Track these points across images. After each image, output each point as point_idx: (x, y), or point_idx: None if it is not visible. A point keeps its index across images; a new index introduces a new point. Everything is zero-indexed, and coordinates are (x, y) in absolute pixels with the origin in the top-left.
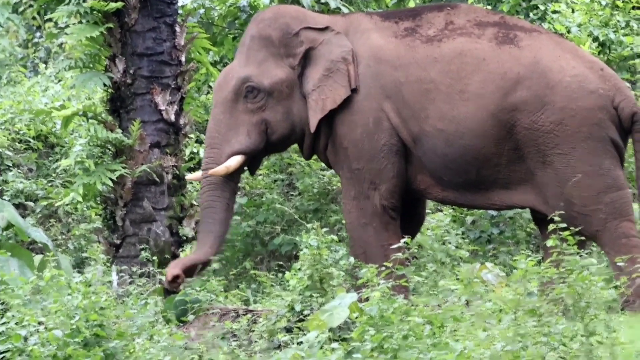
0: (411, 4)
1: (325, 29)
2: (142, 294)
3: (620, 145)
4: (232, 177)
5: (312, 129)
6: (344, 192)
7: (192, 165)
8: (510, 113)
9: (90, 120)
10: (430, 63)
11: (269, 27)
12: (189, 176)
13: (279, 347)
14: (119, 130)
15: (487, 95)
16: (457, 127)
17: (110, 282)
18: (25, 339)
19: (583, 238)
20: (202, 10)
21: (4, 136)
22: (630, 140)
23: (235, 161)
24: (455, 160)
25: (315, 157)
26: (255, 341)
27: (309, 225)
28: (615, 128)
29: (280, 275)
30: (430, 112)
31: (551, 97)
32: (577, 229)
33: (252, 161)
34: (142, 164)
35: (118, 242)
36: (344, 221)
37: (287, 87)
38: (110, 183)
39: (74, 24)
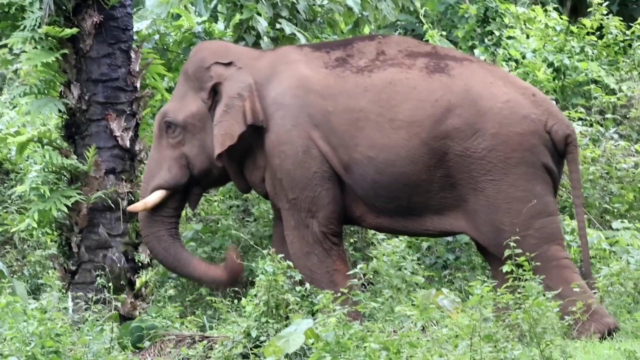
0: (366, 30)
1: (230, 64)
2: (98, 320)
3: (554, 170)
4: (167, 212)
5: (217, 163)
6: (285, 223)
7: None
8: (442, 140)
9: (46, 147)
10: (360, 93)
11: (189, 61)
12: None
13: None
14: (74, 157)
15: (418, 123)
16: (387, 155)
17: (66, 308)
18: None
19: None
20: (157, 36)
21: None
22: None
23: (154, 196)
24: (386, 187)
25: None
26: None
27: (264, 252)
28: (549, 153)
29: (236, 301)
30: (360, 141)
31: (483, 124)
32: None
33: (187, 196)
34: (98, 190)
35: (74, 268)
36: None
37: (199, 120)
38: (66, 209)
39: (28, 50)
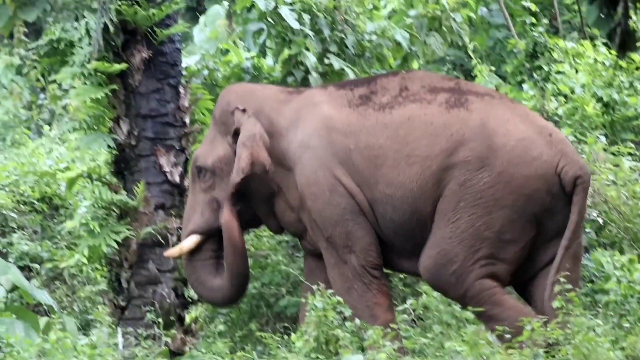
0: (415, 65)
1: (244, 110)
2: (147, 356)
3: (545, 218)
4: (206, 255)
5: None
6: (326, 262)
7: None
8: (449, 171)
9: (95, 182)
10: (380, 130)
11: (217, 104)
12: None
13: None
14: (124, 192)
15: (432, 157)
16: (402, 192)
17: (115, 344)
18: None
19: None
20: (205, 72)
21: (8, 198)
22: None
23: (189, 241)
24: (403, 225)
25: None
26: None
27: (314, 287)
28: (551, 198)
29: (286, 337)
30: (379, 178)
31: (492, 160)
32: None
33: (221, 240)
34: (147, 226)
35: (123, 304)
36: None
37: (226, 164)
38: (115, 245)
39: (78, 85)
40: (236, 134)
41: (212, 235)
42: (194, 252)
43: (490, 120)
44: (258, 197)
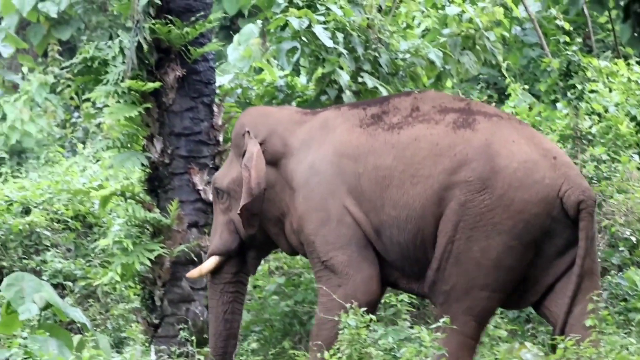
0: (448, 84)
1: (249, 132)
2: None
3: (544, 242)
4: (226, 278)
5: (247, 231)
6: (317, 281)
7: None
8: (451, 190)
9: (129, 200)
10: (388, 150)
11: (234, 128)
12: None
13: None
14: (157, 210)
15: (434, 176)
16: (407, 212)
17: None
18: None
19: None
20: (239, 90)
21: (42, 216)
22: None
23: (209, 263)
24: (408, 247)
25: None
26: None
27: (347, 305)
28: (552, 222)
29: (319, 355)
30: (385, 201)
31: (493, 182)
32: None
33: (244, 259)
34: (181, 244)
35: (157, 322)
36: (382, 300)
37: (238, 186)
38: (149, 263)
39: (111, 104)
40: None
41: (233, 257)
42: (214, 273)
43: (495, 141)
44: (268, 219)
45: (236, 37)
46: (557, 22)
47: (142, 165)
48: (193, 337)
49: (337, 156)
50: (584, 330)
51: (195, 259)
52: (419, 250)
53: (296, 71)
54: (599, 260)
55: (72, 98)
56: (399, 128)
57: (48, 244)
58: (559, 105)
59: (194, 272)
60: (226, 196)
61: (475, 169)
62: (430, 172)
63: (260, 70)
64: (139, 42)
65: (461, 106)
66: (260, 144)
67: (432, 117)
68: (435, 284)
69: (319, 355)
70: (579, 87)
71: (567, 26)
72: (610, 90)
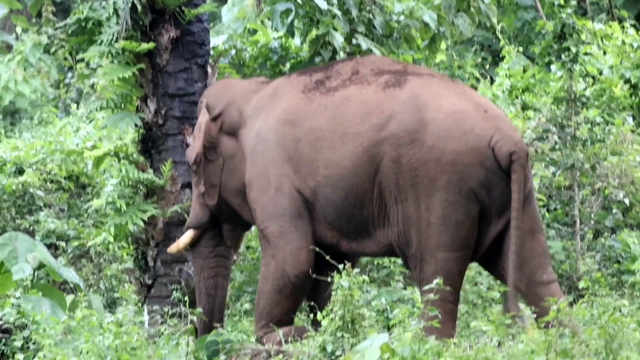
0: (443, 46)
1: (200, 103)
2: (173, 334)
3: (484, 195)
4: (204, 252)
5: (207, 201)
6: (262, 247)
7: None
8: (381, 146)
9: (122, 161)
10: (321, 111)
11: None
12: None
13: None
14: (151, 171)
15: (363, 134)
16: (338, 171)
17: (141, 322)
18: None
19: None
20: (233, 52)
21: (35, 176)
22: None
23: (185, 237)
24: (342, 205)
25: None
26: None
27: (340, 266)
28: (486, 172)
29: (311, 315)
30: (319, 162)
31: (421, 134)
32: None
33: (220, 233)
34: (174, 205)
35: (149, 282)
36: (374, 262)
37: (201, 159)
38: (142, 223)
39: (105, 64)
40: None
41: (208, 230)
42: (193, 248)
43: (422, 95)
44: (228, 190)
45: None
46: None
47: (136, 125)
48: (186, 298)
49: (279, 123)
50: (542, 288)
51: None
52: (354, 208)
53: (290, 33)
54: (592, 222)
55: (65, 59)
56: (334, 90)
57: (41, 204)
58: (553, 67)
59: (172, 247)
60: (195, 169)
61: (402, 121)
62: (359, 130)
63: (255, 31)
64: (133, 3)
65: (397, 68)
66: (219, 114)
67: (366, 79)
68: (402, 250)
69: (260, 324)
70: (573, 49)
71: None
72: (605, 53)
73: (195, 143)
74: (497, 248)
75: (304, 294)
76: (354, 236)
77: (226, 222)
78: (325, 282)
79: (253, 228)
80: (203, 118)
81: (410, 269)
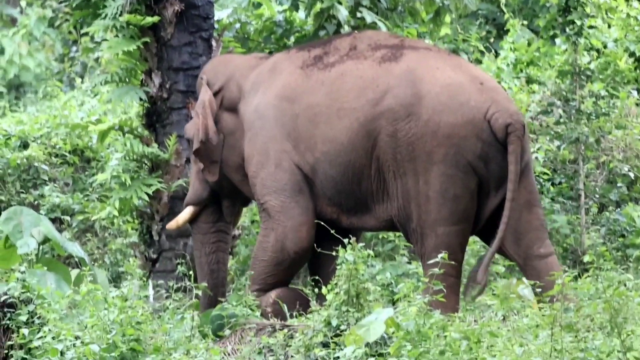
0: (447, 19)
1: (201, 79)
2: (178, 308)
3: (481, 167)
4: (204, 227)
5: (208, 178)
6: (261, 220)
7: None
8: (377, 121)
9: (127, 135)
10: (318, 87)
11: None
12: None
13: None
14: (155, 145)
15: (359, 109)
16: (335, 146)
17: (146, 296)
18: (62, 353)
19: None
20: (238, 25)
21: (40, 150)
22: None
23: (185, 213)
24: (341, 181)
25: None
26: (292, 356)
27: (345, 240)
28: (483, 145)
29: (316, 290)
30: (317, 138)
31: (417, 108)
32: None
33: (220, 208)
34: (179, 179)
35: (154, 256)
36: (379, 236)
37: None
38: (147, 197)
39: (110, 38)
40: None
41: (208, 206)
42: (193, 224)
43: (418, 68)
44: (229, 166)
45: None
46: None
47: (140, 99)
48: (191, 272)
49: (278, 99)
50: (540, 261)
51: None
52: (353, 183)
53: (295, 6)
54: (596, 196)
55: (70, 32)
56: (331, 66)
57: (46, 178)
58: (557, 41)
59: (171, 224)
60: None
61: (397, 95)
62: (355, 105)
63: (259, 5)
64: None
65: (394, 43)
66: (219, 90)
67: (363, 54)
68: (402, 225)
69: (254, 292)
70: (578, 22)
71: None
72: (609, 26)
73: (200, 120)
74: (495, 221)
75: (301, 267)
76: (354, 211)
77: (226, 198)
78: (329, 257)
79: (254, 203)
80: (206, 95)
81: (411, 244)
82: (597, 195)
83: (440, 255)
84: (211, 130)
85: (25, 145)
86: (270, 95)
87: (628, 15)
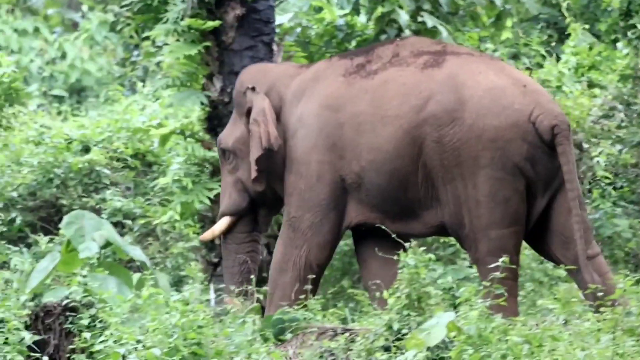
0: (508, 23)
1: (253, 89)
2: (240, 312)
3: (529, 169)
4: (239, 238)
5: (256, 187)
6: (280, 233)
7: None
8: (422, 128)
9: (188, 139)
10: (361, 96)
11: (235, 87)
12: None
13: None
14: (216, 149)
15: (402, 115)
16: (381, 155)
17: (208, 300)
18: (124, 357)
19: None
20: (299, 29)
21: (101, 154)
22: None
23: (221, 224)
24: (387, 188)
25: None
26: None
27: (406, 245)
28: (529, 147)
29: (378, 293)
30: (362, 146)
31: (461, 113)
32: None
33: (256, 219)
34: None
35: (216, 260)
36: (440, 240)
37: (243, 144)
38: (208, 202)
39: (171, 42)
40: (248, 113)
41: (245, 216)
42: (227, 234)
43: (460, 74)
44: (275, 176)
45: None
46: None
47: (202, 103)
48: (252, 276)
49: (321, 108)
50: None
51: None
52: (399, 191)
53: (356, 10)
54: None
55: (131, 37)
56: (374, 74)
57: (107, 183)
58: (619, 45)
59: (206, 235)
60: (232, 156)
61: (440, 101)
62: (398, 112)
63: (320, 9)
64: None
65: (437, 49)
66: None
67: (406, 61)
68: (455, 231)
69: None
70: None
71: None
72: None
73: (261, 127)
74: (541, 225)
75: (316, 286)
76: (399, 217)
77: (265, 208)
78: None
79: None
80: (265, 102)
81: (465, 249)
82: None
83: (501, 260)
84: (272, 137)
85: (87, 150)
86: (314, 104)
87: None
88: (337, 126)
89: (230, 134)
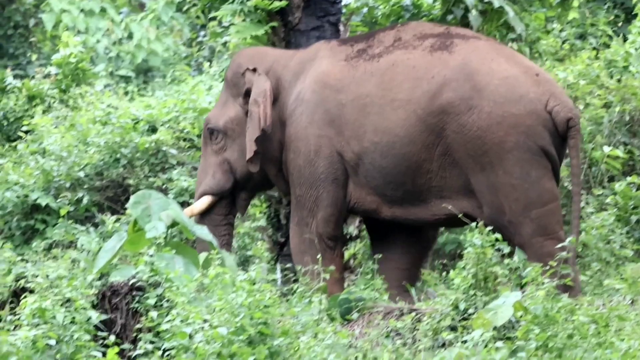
0: (575, 4)
1: (254, 70)
2: (306, 292)
3: (552, 152)
4: (216, 219)
5: (251, 168)
6: (291, 216)
7: None
8: (439, 116)
9: None
10: (367, 78)
11: (229, 68)
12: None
13: (443, 345)
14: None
15: (415, 101)
16: (389, 138)
17: (274, 280)
18: (191, 336)
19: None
20: (365, 9)
21: (168, 134)
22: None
23: (201, 203)
24: (391, 172)
25: None
26: (420, 340)
27: (472, 224)
28: (548, 134)
29: (444, 273)
30: (367, 127)
31: (478, 101)
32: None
33: (234, 202)
34: None
35: (282, 240)
36: None
37: (237, 125)
38: None
39: (238, 22)
40: (247, 94)
41: (224, 198)
42: (205, 214)
43: (472, 60)
44: (269, 158)
45: None
46: None
47: None
48: (318, 256)
49: (320, 85)
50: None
51: None
52: (405, 176)
53: None
54: None
55: (198, 17)
56: (379, 57)
57: (174, 162)
58: None
59: (186, 212)
60: (221, 136)
61: (455, 89)
62: (410, 96)
63: None
64: None
65: (440, 31)
66: None
67: (410, 44)
68: (497, 220)
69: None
70: None
71: None
72: None
73: (261, 108)
74: None
75: (342, 257)
76: (399, 202)
77: (248, 191)
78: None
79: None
80: (267, 84)
81: (508, 238)
82: None
83: (568, 239)
84: (269, 119)
85: (153, 130)
86: (311, 81)
87: None
88: (338, 105)
89: (222, 114)
